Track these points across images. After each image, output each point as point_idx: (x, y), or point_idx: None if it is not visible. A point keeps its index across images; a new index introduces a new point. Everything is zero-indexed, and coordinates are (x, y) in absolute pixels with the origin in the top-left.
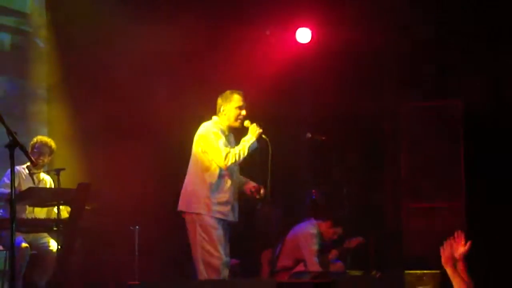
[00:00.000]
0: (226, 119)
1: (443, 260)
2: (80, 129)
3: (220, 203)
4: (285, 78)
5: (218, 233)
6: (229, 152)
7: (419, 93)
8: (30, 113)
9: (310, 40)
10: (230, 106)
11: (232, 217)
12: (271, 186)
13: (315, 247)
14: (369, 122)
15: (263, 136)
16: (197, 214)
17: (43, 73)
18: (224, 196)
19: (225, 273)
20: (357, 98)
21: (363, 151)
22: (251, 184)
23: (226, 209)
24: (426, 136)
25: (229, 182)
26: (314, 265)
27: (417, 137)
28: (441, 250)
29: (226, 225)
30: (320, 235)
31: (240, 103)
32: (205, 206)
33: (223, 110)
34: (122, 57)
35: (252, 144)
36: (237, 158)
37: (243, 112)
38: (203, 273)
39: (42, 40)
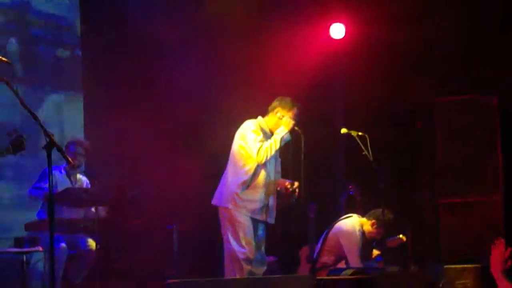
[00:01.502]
0: (277, 122)
1: (491, 266)
2: (115, 130)
3: (250, 201)
4: (319, 74)
5: (245, 229)
6: (261, 146)
7: (455, 87)
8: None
9: (344, 36)
10: (289, 115)
11: (263, 217)
12: (305, 180)
13: (358, 246)
14: (404, 117)
15: (296, 128)
16: (226, 208)
17: (81, 83)
18: (256, 194)
19: (251, 269)
20: (392, 93)
21: (398, 146)
22: (283, 180)
23: (256, 207)
24: (462, 131)
25: (263, 181)
26: (356, 264)
27: (453, 131)
28: (491, 258)
29: (259, 223)
30: (364, 234)
31: (297, 116)
32: (234, 201)
33: (280, 115)
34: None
35: (284, 136)
36: (269, 151)
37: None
38: (228, 266)
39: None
